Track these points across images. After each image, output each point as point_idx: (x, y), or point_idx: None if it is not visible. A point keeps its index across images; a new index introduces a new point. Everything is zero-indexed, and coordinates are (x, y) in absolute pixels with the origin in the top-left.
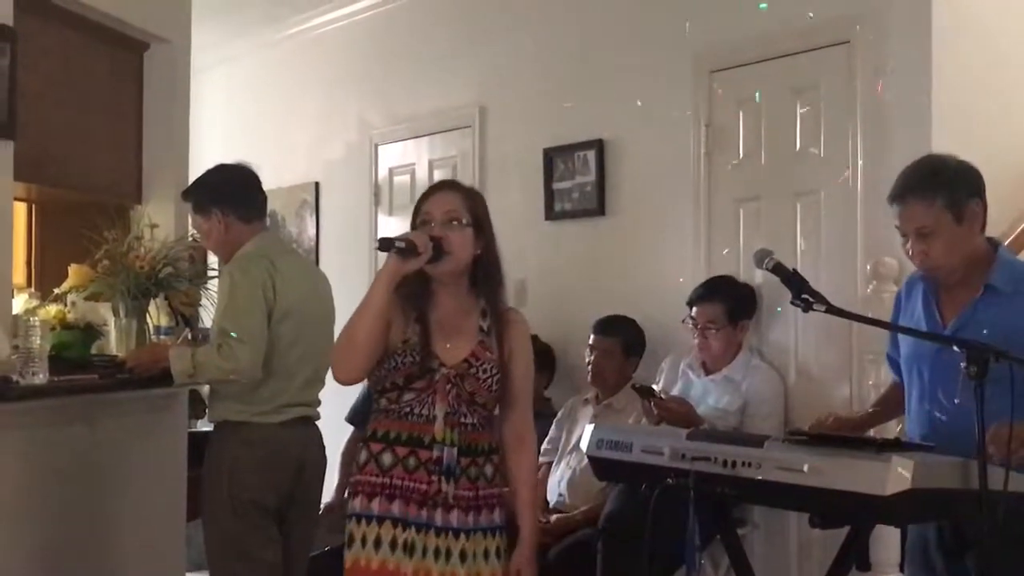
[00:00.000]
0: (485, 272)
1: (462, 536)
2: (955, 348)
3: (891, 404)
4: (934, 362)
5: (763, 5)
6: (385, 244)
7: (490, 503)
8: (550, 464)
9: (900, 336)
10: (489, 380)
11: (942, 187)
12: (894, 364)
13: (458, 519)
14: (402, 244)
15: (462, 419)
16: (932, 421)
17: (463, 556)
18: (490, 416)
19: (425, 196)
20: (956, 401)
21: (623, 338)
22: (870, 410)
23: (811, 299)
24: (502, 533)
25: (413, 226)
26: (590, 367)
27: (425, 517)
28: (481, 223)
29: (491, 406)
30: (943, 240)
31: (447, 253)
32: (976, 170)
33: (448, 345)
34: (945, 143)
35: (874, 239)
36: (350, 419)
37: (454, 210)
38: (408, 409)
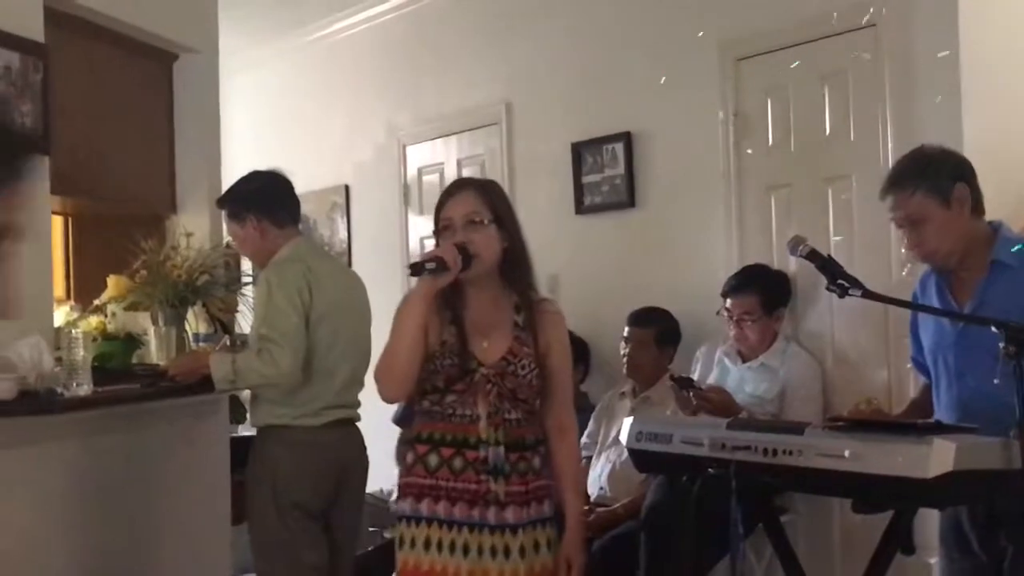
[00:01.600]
0: (514, 265)
1: (519, 532)
2: (993, 329)
3: (924, 406)
4: (957, 347)
5: None
6: (416, 269)
7: (540, 495)
8: (589, 459)
9: (921, 330)
10: (529, 375)
11: (922, 176)
12: (920, 366)
13: (514, 515)
14: (432, 265)
15: (506, 416)
16: (963, 405)
17: (522, 551)
18: (533, 408)
19: (442, 202)
20: (996, 382)
21: (657, 328)
22: (905, 411)
23: (847, 284)
24: (552, 523)
25: (436, 234)
26: (625, 359)
27: (478, 516)
28: (502, 216)
29: (532, 400)
30: (933, 226)
31: (475, 256)
32: (960, 156)
33: (485, 344)
34: (975, 123)
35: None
36: (397, 420)
37: (473, 211)
38: (451, 411)
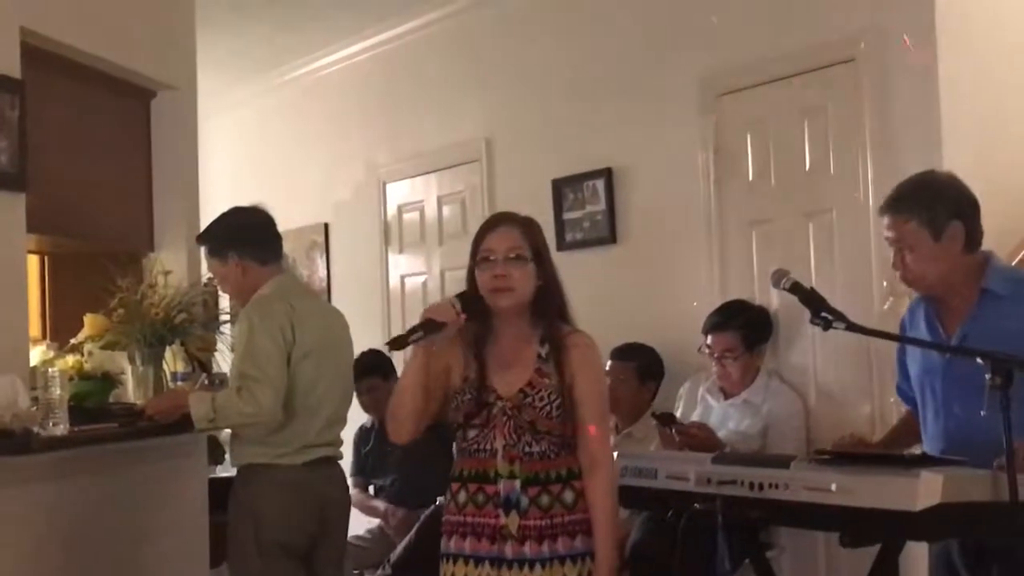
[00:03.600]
0: (546, 300)
1: (537, 566)
2: (979, 360)
3: (906, 433)
4: (945, 376)
5: None
6: (398, 343)
7: (570, 530)
8: None
9: (909, 358)
10: (548, 407)
11: (922, 206)
12: (905, 395)
13: (532, 549)
14: (419, 334)
15: (526, 449)
16: (950, 435)
17: None
18: (564, 442)
19: (485, 231)
20: (983, 413)
21: (638, 362)
22: (887, 438)
23: (831, 317)
24: (585, 559)
25: (472, 263)
26: None
27: (496, 551)
28: (541, 254)
29: (557, 432)
30: (920, 255)
31: (509, 290)
32: (966, 192)
33: (505, 377)
34: (955, 155)
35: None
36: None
37: (516, 246)
38: (475, 446)
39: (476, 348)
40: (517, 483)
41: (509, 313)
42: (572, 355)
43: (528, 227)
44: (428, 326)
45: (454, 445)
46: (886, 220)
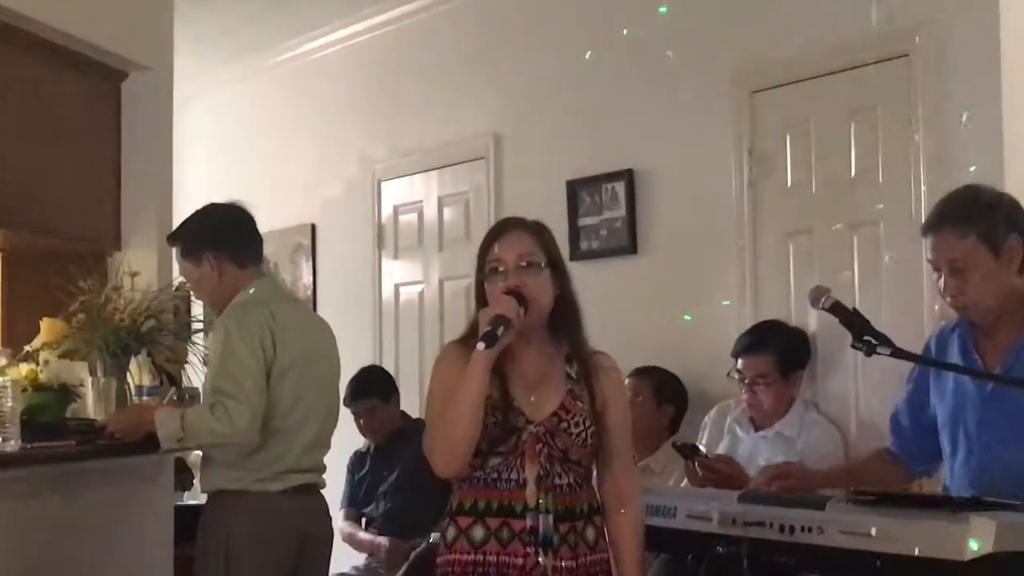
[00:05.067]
0: (564, 313)
1: None
2: None
3: (865, 472)
4: (983, 413)
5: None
6: (490, 339)
7: (594, 571)
8: None
9: (935, 393)
10: (583, 434)
11: (978, 218)
12: (899, 429)
13: None
14: (502, 330)
15: (556, 480)
16: (989, 476)
17: None
18: (587, 473)
19: (491, 239)
20: None
21: (655, 381)
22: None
23: (875, 341)
24: None
25: (480, 274)
26: None
27: None
28: (556, 261)
29: (587, 462)
30: (978, 275)
31: (530, 301)
32: (1016, 203)
33: (533, 399)
34: (1019, 164)
35: None
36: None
37: (528, 252)
38: (496, 475)
39: (496, 365)
40: (551, 517)
41: (528, 327)
42: (603, 378)
43: (540, 232)
44: (505, 322)
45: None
46: (932, 240)
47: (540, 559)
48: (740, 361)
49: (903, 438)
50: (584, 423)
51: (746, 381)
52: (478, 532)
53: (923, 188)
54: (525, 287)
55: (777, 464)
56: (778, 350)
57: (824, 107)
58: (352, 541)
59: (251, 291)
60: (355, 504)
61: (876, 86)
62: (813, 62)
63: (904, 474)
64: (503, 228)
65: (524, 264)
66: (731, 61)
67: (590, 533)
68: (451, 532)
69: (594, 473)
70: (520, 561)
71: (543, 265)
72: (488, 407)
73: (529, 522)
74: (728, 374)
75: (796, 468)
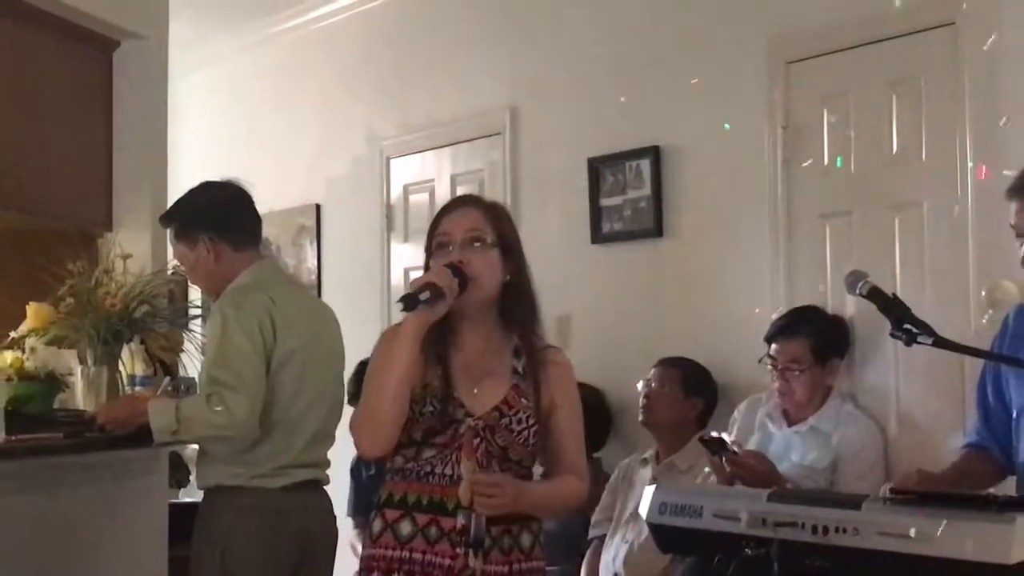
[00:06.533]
0: (516, 302)
1: None
2: None
3: (970, 476)
4: None
5: None
6: (409, 302)
7: None
8: (602, 538)
9: (1012, 383)
10: (525, 432)
11: None
12: (978, 444)
13: None
14: (427, 295)
15: None
16: None
17: None
18: (528, 475)
19: (441, 214)
20: None
21: (682, 372)
22: (949, 471)
23: (915, 330)
24: None
25: (428, 249)
26: (642, 405)
27: None
28: (509, 243)
29: (528, 463)
30: None
31: (471, 279)
32: None
33: (476, 391)
34: None
35: (989, 259)
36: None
37: (476, 228)
38: (429, 468)
39: (437, 351)
40: (483, 518)
41: (471, 310)
42: (552, 375)
43: (493, 210)
44: (432, 288)
45: (387, 464)
46: (1017, 204)
47: (470, 562)
48: (773, 346)
49: (986, 430)
50: (527, 420)
51: (779, 368)
52: (405, 527)
53: (969, 166)
54: (468, 265)
55: (922, 470)
56: (813, 335)
57: (864, 79)
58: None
59: (249, 274)
60: (364, 511)
61: (920, 56)
62: (853, 30)
63: (996, 468)
64: (452, 205)
65: (471, 240)
66: (765, 29)
67: (526, 539)
68: (377, 525)
69: (536, 476)
70: (447, 562)
71: (490, 243)
72: (427, 395)
73: (460, 521)
74: (760, 360)
75: (932, 475)
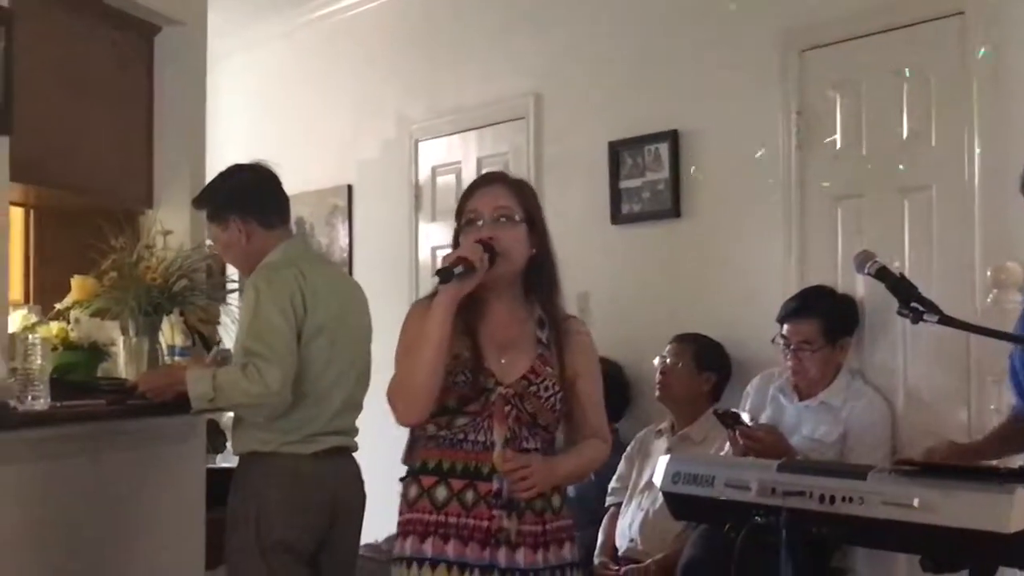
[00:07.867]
0: (540, 274)
1: None
2: None
3: (1011, 440)
4: None
5: None
6: (445, 275)
7: (559, 537)
8: (619, 506)
9: None
10: (552, 399)
11: None
12: (1019, 388)
13: (525, 558)
14: (460, 269)
15: (524, 444)
16: None
17: None
18: (553, 439)
19: (470, 191)
20: None
21: (695, 347)
22: (986, 440)
23: (921, 308)
24: (574, 569)
25: (458, 226)
26: (658, 380)
27: (488, 558)
28: (534, 218)
29: (553, 428)
30: None
31: (499, 254)
32: None
33: (503, 360)
34: None
35: (995, 241)
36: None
37: (504, 205)
38: (463, 436)
39: (465, 323)
40: None
41: (499, 283)
42: (574, 345)
43: (519, 187)
44: (464, 263)
45: (417, 431)
46: None
47: (505, 523)
48: (785, 326)
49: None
50: (553, 388)
51: (791, 347)
52: (441, 492)
53: (977, 151)
54: (497, 240)
55: (953, 442)
56: (824, 315)
57: (875, 67)
58: None
59: (280, 251)
60: None
61: (930, 44)
62: (864, 20)
63: None
64: (480, 182)
65: (499, 217)
66: (780, 19)
67: (556, 499)
68: (413, 490)
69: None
70: (485, 523)
71: (518, 219)
72: (458, 366)
73: (495, 485)
74: (773, 340)
75: (963, 446)
